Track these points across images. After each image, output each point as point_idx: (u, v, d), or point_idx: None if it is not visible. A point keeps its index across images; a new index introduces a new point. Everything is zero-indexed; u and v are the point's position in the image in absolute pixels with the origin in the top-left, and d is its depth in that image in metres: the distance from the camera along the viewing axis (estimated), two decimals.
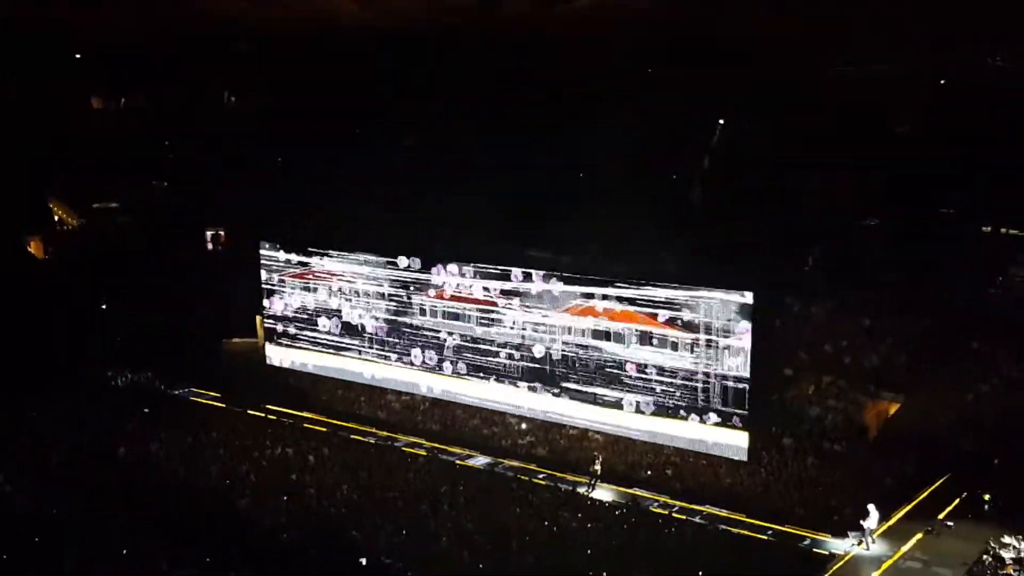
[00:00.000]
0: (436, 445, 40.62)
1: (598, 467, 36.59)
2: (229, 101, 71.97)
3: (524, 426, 41.32)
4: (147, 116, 73.22)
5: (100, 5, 78.48)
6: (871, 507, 30.63)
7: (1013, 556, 28.25)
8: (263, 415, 44.23)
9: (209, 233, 63.72)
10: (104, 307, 54.96)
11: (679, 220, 42.36)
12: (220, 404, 46.08)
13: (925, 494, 33.86)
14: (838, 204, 42.13)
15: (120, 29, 79.30)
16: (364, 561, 29.76)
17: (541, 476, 37.39)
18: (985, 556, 28.47)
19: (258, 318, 50.10)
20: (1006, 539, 28.98)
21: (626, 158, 46.26)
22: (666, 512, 33.93)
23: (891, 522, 31.86)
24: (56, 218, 68.74)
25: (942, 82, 42.88)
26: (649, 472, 37.27)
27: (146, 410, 43.96)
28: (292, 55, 74.46)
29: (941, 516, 32.06)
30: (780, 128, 44.54)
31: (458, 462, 38.93)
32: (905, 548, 30.15)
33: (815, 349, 41.91)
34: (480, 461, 39.27)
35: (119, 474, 36.74)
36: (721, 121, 46.13)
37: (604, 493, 35.86)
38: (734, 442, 35.86)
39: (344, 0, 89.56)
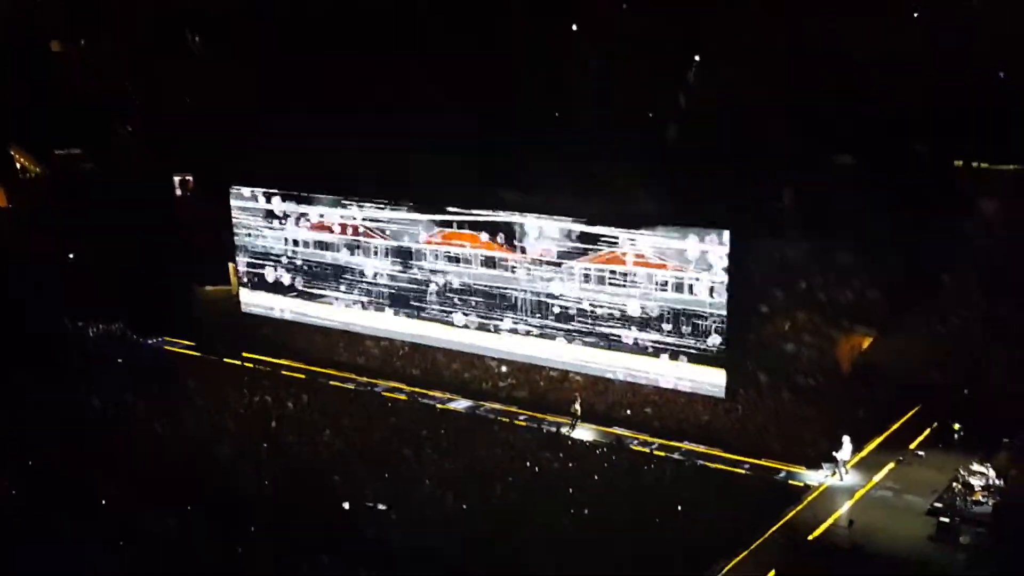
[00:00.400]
0: (417, 389, 40.89)
1: (578, 407, 36.99)
2: (194, 43, 70.47)
3: (504, 369, 41.58)
4: (109, 60, 71.57)
5: None
6: (845, 439, 31.15)
7: (982, 483, 28.68)
8: (239, 363, 44.20)
9: (177, 179, 62.76)
10: (72, 257, 54.34)
11: (655, 160, 42.17)
12: (195, 353, 46.01)
13: (897, 425, 34.46)
14: (811, 142, 42.02)
15: None
16: (347, 506, 30.00)
17: (522, 418, 37.80)
18: (955, 484, 28.90)
19: (231, 265, 49.79)
20: (975, 467, 29.38)
21: (600, 98, 45.90)
22: (647, 450, 34.44)
23: (864, 453, 32.38)
24: (18, 166, 67.54)
25: (915, 15, 42.81)
26: (629, 411, 37.70)
27: (119, 360, 43.82)
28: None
29: (912, 446, 32.62)
30: (750, 67, 44.24)
31: (439, 406, 39.22)
32: (877, 478, 30.67)
33: (790, 286, 42.15)
34: (461, 404, 39.59)
35: (95, 425, 36.72)
36: (697, 58, 45.81)
37: (585, 433, 36.30)
38: (712, 380, 36.29)
39: None
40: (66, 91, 68.88)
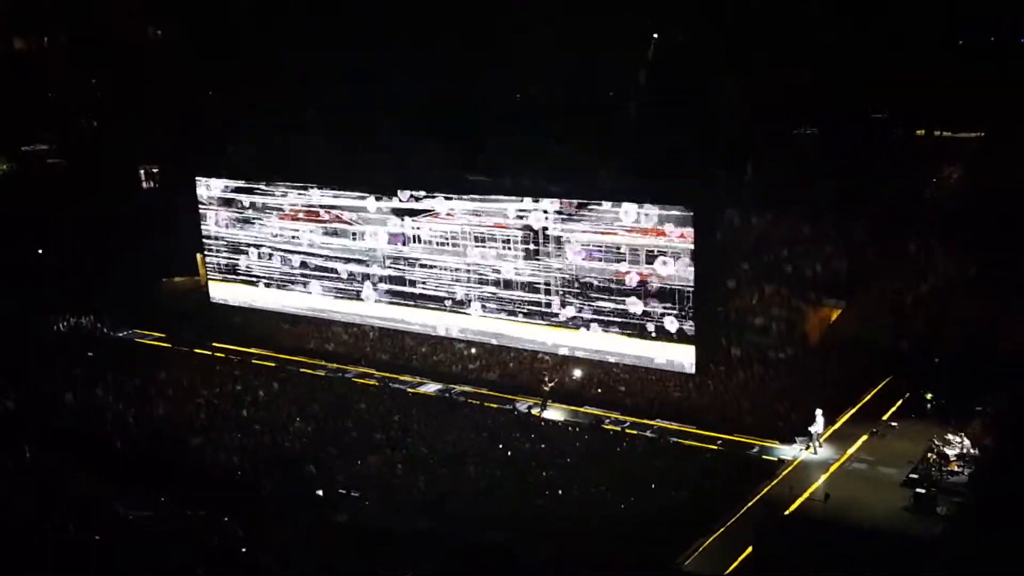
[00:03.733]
0: (387, 374, 40.62)
1: (548, 387, 36.79)
2: (155, 35, 69.85)
3: (474, 351, 41.37)
4: (72, 54, 70.85)
5: None
6: (817, 412, 31.06)
7: (956, 452, 28.72)
8: (209, 353, 43.85)
9: (142, 171, 62.29)
10: (40, 252, 53.81)
11: (616, 138, 42.06)
12: (165, 344, 45.62)
13: (869, 396, 34.39)
14: (772, 115, 42.03)
15: None
16: (321, 493, 29.77)
17: (493, 400, 37.59)
18: (929, 454, 28.94)
19: (199, 256, 49.37)
20: (949, 436, 29.42)
21: (560, 77, 45.85)
22: (619, 428, 34.32)
23: (837, 426, 32.33)
24: None
25: None
26: (600, 390, 37.57)
27: (90, 354, 43.41)
28: None
29: (885, 417, 32.56)
30: (708, 39, 44.14)
31: (410, 390, 38.96)
32: (851, 450, 30.61)
33: (756, 260, 42.08)
34: (431, 388, 39.33)
35: (69, 419, 36.30)
36: (656, 36, 45.65)
37: (556, 413, 36.13)
38: (682, 356, 36.22)
39: None
40: (31, 87, 68.19)
